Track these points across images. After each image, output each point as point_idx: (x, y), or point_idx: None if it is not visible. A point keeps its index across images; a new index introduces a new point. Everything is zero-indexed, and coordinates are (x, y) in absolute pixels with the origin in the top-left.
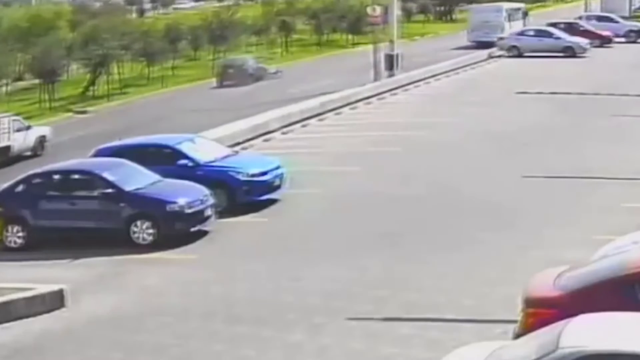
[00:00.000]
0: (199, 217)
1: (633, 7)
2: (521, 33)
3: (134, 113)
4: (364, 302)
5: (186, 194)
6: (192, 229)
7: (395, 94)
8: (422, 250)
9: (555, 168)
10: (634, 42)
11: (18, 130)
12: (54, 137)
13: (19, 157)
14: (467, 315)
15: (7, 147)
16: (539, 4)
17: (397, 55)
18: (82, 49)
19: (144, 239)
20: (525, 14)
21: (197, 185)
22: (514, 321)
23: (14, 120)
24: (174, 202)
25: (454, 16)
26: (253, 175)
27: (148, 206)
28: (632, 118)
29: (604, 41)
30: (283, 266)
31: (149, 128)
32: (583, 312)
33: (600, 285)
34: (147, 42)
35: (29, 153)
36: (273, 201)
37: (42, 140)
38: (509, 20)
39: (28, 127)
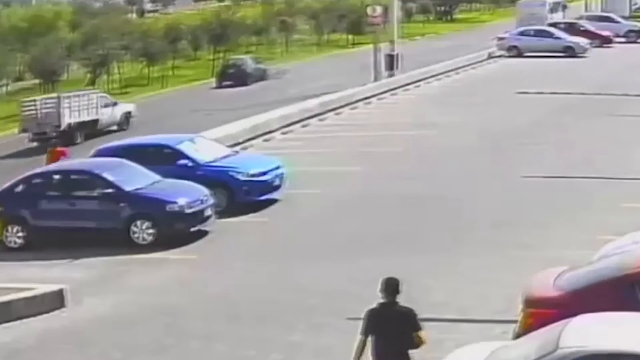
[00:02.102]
0: (199, 217)
1: (633, 7)
2: (521, 33)
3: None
4: (364, 302)
5: (186, 194)
6: (192, 229)
7: (395, 94)
8: (422, 250)
9: (555, 168)
10: (634, 42)
11: (105, 105)
12: None
13: (107, 131)
14: (467, 315)
15: (96, 121)
16: None
17: (397, 55)
18: (82, 49)
19: (143, 239)
20: (565, 6)
21: (197, 185)
22: (514, 321)
23: (101, 96)
24: (174, 202)
25: (454, 16)
26: (253, 175)
27: (148, 206)
28: (633, 118)
29: (604, 41)
30: (283, 266)
31: (149, 128)
32: (583, 312)
33: (600, 285)
34: (147, 42)
35: (115, 127)
36: (273, 201)
37: (127, 115)
38: (551, 12)
39: (115, 104)
